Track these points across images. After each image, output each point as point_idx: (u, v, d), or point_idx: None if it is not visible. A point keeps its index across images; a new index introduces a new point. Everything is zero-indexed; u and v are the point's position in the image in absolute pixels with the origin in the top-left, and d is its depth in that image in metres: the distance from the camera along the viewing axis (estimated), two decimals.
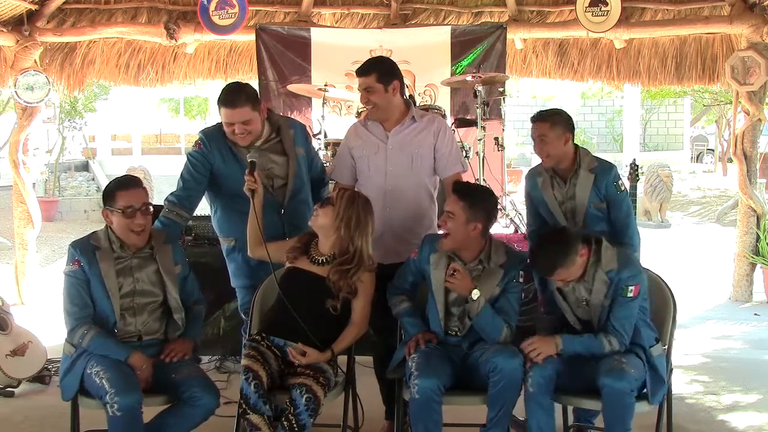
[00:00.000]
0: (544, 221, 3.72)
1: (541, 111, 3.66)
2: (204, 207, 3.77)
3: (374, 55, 5.54)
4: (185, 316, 3.30)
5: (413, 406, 3.07)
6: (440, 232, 3.47)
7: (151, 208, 3.25)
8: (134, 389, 2.96)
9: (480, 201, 3.24)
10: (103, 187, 14.85)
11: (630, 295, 3.09)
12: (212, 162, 3.51)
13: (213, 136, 3.55)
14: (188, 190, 3.52)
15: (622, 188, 3.61)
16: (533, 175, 3.74)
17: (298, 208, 3.58)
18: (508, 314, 3.24)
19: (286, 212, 3.55)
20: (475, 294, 3.15)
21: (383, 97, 3.55)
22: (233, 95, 3.44)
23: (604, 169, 3.59)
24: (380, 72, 3.53)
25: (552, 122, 3.54)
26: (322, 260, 3.30)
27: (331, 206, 3.28)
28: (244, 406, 2.98)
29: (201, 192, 3.58)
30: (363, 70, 3.57)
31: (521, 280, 3.28)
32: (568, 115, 3.63)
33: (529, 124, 3.64)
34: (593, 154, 3.67)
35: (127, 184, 3.25)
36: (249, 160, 3.38)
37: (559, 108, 3.74)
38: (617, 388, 2.95)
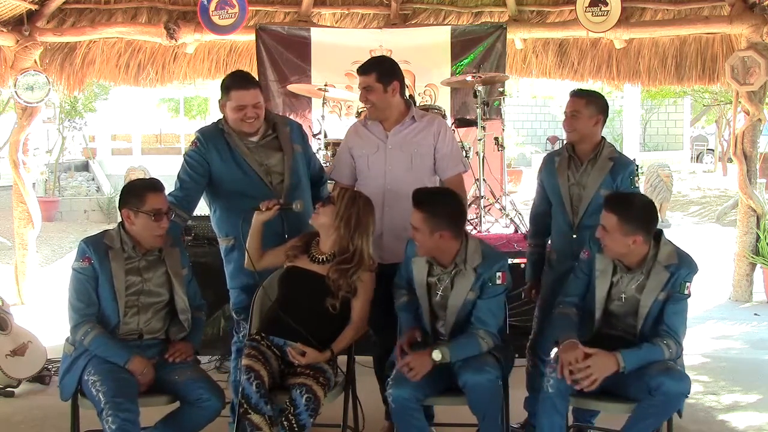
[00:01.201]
0: (549, 206, 3.72)
1: (581, 88, 3.70)
2: (204, 207, 3.77)
3: (374, 55, 5.54)
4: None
5: (393, 415, 3.11)
6: None
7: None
8: (130, 404, 2.94)
9: (440, 209, 3.15)
10: (103, 187, 14.98)
11: (686, 292, 3.06)
12: (210, 161, 3.51)
13: (210, 134, 3.55)
14: (186, 191, 3.51)
15: (636, 184, 3.61)
16: (552, 155, 3.74)
17: None
18: (486, 322, 3.16)
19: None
20: (437, 356, 3.05)
21: (382, 97, 3.55)
22: (245, 78, 3.51)
23: (624, 161, 3.59)
24: (380, 72, 3.54)
25: (588, 100, 3.57)
26: (322, 259, 3.30)
27: (332, 205, 3.28)
28: (245, 405, 2.98)
29: (199, 192, 3.57)
30: (363, 69, 3.58)
31: (499, 282, 3.18)
32: (606, 100, 3.66)
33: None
34: (617, 149, 3.69)
35: (155, 186, 3.23)
36: (294, 205, 3.33)
37: (598, 91, 3.77)
38: (677, 391, 2.89)
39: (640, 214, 3.05)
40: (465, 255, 3.20)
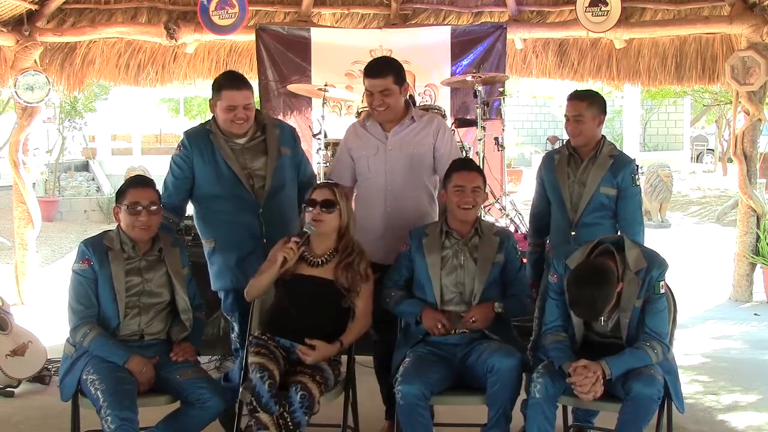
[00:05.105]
0: (548, 205, 3.73)
1: (578, 90, 3.72)
2: None
3: (374, 55, 5.54)
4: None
5: (399, 412, 3.10)
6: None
7: (161, 209, 3.26)
8: (128, 403, 2.94)
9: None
10: (103, 187, 14.99)
11: (662, 291, 3.07)
12: (192, 164, 3.48)
13: (195, 136, 3.52)
14: (170, 198, 3.49)
15: (637, 182, 3.63)
16: (551, 153, 3.77)
17: (276, 208, 3.50)
18: (522, 288, 3.40)
19: (264, 212, 3.47)
20: (498, 308, 3.27)
21: (398, 99, 3.54)
22: (237, 79, 3.50)
23: (624, 159, 3.63)
24: (396, 74, 3.52)
25: (590, 102, 3.59)
26: (320, 261, 3.31)
27: (335, 209, 3.28)
28: (255, 403, 2.96)
29: (183, 195, 3.54)
30: (378, 72, 3.51)
31: (518, 245, 3.45)
32: (604, 98, 3.69)
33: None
34: (616, 147, 3.73)
35: (138, 182, 3.28)
36: (304, 230, 3.28)
37: (594, 90, 3.80)
38: (647, 395, 2.89)
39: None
40: (481, 225, 3.40)
